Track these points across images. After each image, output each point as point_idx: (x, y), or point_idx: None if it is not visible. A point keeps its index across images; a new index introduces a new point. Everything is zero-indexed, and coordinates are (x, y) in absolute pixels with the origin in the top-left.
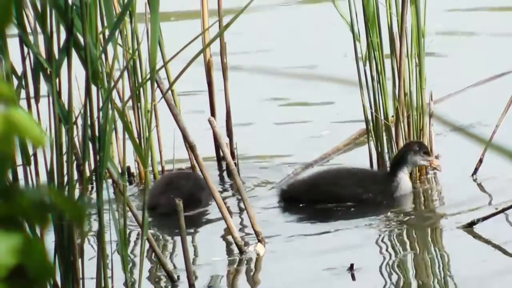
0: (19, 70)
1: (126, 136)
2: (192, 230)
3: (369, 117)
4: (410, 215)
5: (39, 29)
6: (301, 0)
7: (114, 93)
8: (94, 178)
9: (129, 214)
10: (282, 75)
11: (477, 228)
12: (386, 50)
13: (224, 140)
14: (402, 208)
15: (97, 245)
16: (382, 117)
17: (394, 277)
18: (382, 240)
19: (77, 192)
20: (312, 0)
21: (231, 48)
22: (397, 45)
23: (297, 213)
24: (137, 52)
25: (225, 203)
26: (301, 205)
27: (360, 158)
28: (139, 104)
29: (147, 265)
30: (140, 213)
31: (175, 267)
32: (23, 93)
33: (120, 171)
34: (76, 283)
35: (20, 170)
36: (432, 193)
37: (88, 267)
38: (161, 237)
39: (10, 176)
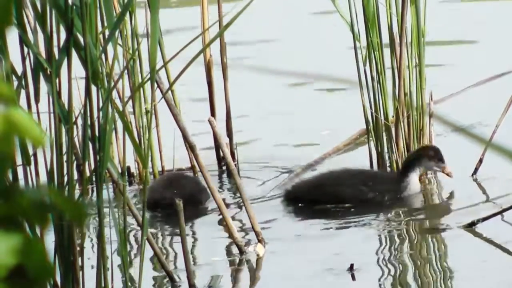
0: (19, 70)
1: (126, 136)
2: (192, 230)
3: (369, 117)
4: (410, 215)
5: (39, 29)
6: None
7: (114, 93)
8: (94, 178)
9: (129, 214)
10: (282, 74)
11: (477, 228)
12: (386, 50)
13: (224, 140)
14: (402, 208)
15: (97, 245)
16: (382, 117)
17: (394, 277)
18: (382, 240)
19: (77, 192)
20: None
21: (231, 48)
22: (397, 45)
23: (297, 213)
24: (137, 52)
25: (225, 203)
26: (300, 205)
27: (360, 158)
28: (139, 104)
29: (147, 265)
30: (140, 213)
31: (175, 267)
32: (23, 93)
33: (120, 171)
34: (76, 283)
35: (20, 170)
36: (432, 193)
37: (88, 267)
38: (161, 237)
39: (10, 176)
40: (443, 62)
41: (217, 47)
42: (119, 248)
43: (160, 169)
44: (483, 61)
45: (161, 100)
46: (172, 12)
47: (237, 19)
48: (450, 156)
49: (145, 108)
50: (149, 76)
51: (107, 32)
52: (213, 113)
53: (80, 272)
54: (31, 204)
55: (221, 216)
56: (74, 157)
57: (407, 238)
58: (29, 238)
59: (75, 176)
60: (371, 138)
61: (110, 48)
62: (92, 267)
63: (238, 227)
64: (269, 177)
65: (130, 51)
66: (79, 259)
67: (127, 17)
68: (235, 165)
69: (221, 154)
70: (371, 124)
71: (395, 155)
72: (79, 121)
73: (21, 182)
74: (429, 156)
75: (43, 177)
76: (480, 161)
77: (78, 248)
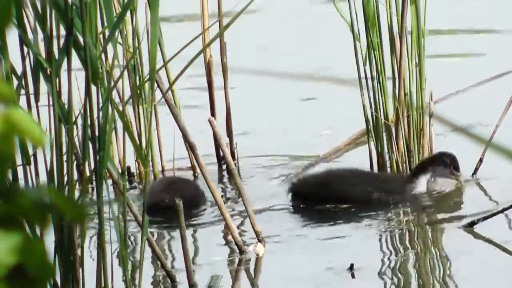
0: (19, 70)
1: (126, 136)
2: (192, 230)
3: (369, 117)
4: (410, 215)
5: (39, 29)
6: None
7: (114, 93)
8: (94, 178)
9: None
10: (282, 75)
11: (477, 228)
12: (386, 50)
13: (224, 140)
14: (402, 208)
15: (97, 245)
16: (382, 117)
17: (394, 277)
18: (382, 240)
19: (77, 192)
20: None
21: (232, 48)
22: (397, 45)
23: (297, 213)
24: (137, 52)
25: (225, 203)
26: (301, 205)
27: (360, 158)
28: (139, 103)
29: (147, 265)
30: (140, 213)
31: (175, 267)
32: (23, 93)
33: (120, 171)
34: (76, 283)
35: (20, 170)
36: (432, 193)
37: (88, 267)
38: (161, 237)
39: (10, 176)
40: (443, 62)
41: (217, 47)
42: (119, 248)
43: (160, 169)
44: (482, 60)
45: (161, 100)
46: (172, 26)
47: (237, 19)
48: None
49: (145, 108)
50: (149, 76)
51: (107, 32)
52: (213, 113)
53: (80, 272)
54: (31, 204)
55: (221, 216)
56: (74, 157)
57: (407, 238)
58: (29, 238)
59: (75, 176)
60: (371, 138)
61: (110, 48)
62: (92, 267)
63: (238, 227)
64: (269, 177)
65: (131, 50)
66: (79, 259)
67: (127, 17)
68: (235, 165)
69: (221, 154)
70: (371, 124)
71: (395, 155)
72: (79, 121)
73: (21, 182)
74: (445, 164)
75: (43, 177)
76: (480, 161)
77: (78, 248)
